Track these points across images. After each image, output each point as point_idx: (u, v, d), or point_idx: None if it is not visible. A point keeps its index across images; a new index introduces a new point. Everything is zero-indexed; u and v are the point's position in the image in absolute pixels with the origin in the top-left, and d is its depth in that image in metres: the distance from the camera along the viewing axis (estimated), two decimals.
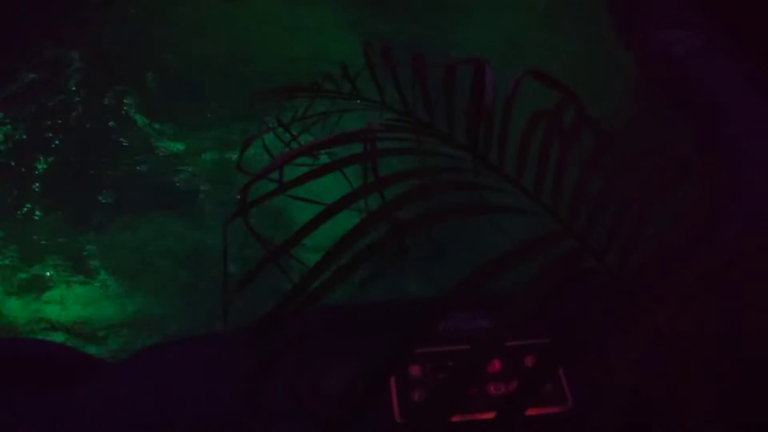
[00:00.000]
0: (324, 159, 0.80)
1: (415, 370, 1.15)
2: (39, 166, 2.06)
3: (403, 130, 0.89)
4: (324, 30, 2.59)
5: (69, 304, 1.67)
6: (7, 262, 1.77)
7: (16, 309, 1.66)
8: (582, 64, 2.22)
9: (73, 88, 2.33)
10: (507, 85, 0.94)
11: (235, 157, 1.96)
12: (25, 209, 1.93)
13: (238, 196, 0.80)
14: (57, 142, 2.15)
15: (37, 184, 2.01)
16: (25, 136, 2.17)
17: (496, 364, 1.13)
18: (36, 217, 1.92)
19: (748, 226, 1.29)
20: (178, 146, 2.12)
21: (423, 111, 0.98)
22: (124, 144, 2.14)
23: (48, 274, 1.74)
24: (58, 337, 1.59)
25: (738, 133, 1.63)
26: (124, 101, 2.27)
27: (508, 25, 2.51)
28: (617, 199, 0.86)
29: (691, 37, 1.92)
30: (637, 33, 2.10)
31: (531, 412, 1.04)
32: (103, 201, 1.96)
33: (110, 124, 2.20)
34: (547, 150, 0.90)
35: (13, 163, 2.08)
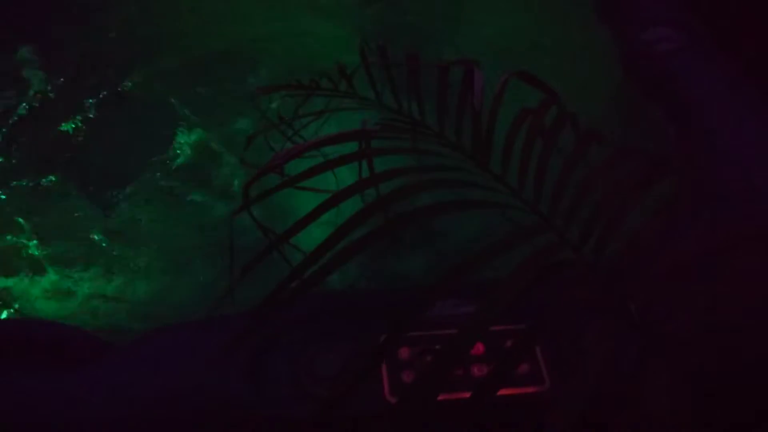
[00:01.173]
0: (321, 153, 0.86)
1: (404, 353, 1.22)
2: None
3: (395, 130, 0.95)
4: None
5: None
6: None
7: None
8: (565, 60, 2.27)
9: None
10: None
11: None
12: None
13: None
14: None
15: None
16: None
17: (480, 348, 1.20)
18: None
19: (721, 222, 1.34)
20: None
21: (417, 110, 1.04)
22: None
23: None
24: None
25: (716, 132, 1.67)
26: None
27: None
28: (594, 194, 0.92)
29: (675, 36, 1.95)
30: (620, 30, 2.13)
31: (510, 391, 1.11)
32: None
33: None
34: (530, 147, 0.97)
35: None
